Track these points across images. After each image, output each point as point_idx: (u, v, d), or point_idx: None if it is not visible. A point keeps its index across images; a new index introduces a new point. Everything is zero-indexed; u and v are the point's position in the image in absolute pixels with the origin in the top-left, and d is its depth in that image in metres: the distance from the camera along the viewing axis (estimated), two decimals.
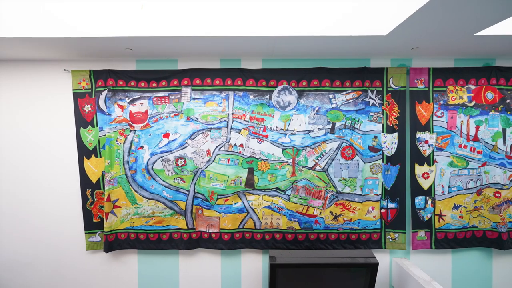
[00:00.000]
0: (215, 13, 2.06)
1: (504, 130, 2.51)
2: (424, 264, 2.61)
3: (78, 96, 2.52)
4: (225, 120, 2.52)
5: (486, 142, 2.51)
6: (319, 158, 2.52)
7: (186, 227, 2.54)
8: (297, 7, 2.02)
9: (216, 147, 2.52)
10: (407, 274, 2.35)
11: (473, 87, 2.51)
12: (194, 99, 2.51)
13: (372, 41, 2.11)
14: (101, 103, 2.51)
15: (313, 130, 2.52)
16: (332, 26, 2.03)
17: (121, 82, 2.50)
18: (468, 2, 1.52)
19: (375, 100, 2.52)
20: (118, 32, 2.05)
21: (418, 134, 2.52)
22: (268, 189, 2.53)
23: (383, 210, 2.54)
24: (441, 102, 2.52)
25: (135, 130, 2.52)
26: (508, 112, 2.51)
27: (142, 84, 2.51)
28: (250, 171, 2.53)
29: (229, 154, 2.52)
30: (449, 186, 2.54)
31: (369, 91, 2.51)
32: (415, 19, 1.72)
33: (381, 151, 2.52)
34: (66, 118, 2.56)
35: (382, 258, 2.63)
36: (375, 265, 2.26)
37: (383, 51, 2.39)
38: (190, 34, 2.10)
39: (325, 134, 2.52)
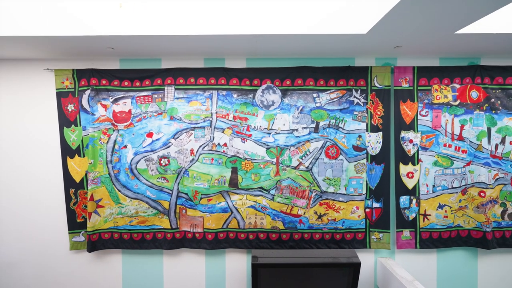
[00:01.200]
0: (197, 12, 2.06)
1: (489, 129, 2.50)
2: (409, 263, 2.60)
3: (61, 96, 2.51)
4: (208, 120, 2.51)
5: (471, 141, 2.50)
6: (303, 158, 2.51)
7: (169, 227, 2.54)
8: (279, 6, 2.02)
9: (200, 146, 2.51)
10: (391, 273, 2.34)
11: (458, 86, 2.50)
12: (177, 98, 2.51)
13: (353, 39, 2.10)
14: (84, 102, 2.50)
15: (297, 129, 2.51)
16: (313, 25, 2.02)
17: (104, 81, 2.49)
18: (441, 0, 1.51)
19: (359, 99, 2.51)
20: (98, 31, 2.04)
21: (403, 133, 2.51)
22: (252, 188, 2.52)
23: (367, 210, 2.53)
24: (426, 101, 2.51)
25: (118, 130, 2.51)
26: (493, 111, 2.50)
27: (126, 83, 2.50)
28: (234, 171, 2.52)
29: (212, 153, 2.51)
30: (433, 186, 2.52)
31: (353, 90, 2.50)
32: (392, 17, 1.71)
33: (365, 151, 2.51)
34: (49, 118, 2.55)
35: (368, 257, 2.62)
36: (358, 265, 2.25)
37: (367, 50, 2.38)
38: (172, 33, 2.09)
39: (309, 134, 2.51)
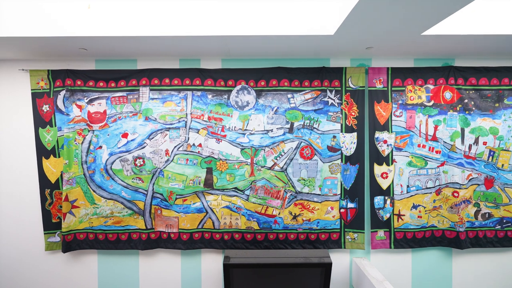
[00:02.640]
0: (167, 13, 2.07)
1: (462, 130, 2.51)
2: (384, 264, 2.61)
3: (36, 96, 2.51)
4: (183, 120, 2.51)
5: (445, 142, 2.51)
6: (278, 158, 2.52)
7: (144, 227, 2.54)
8: (251, 8, 2.03)
9: (175, 147, 2.52)
10: (363, 274, 2.35)
11: (431, 86, 2.52)
12: (152, 99, 2.51)
13: (322, 40, 2.11)
14: (59, 103, 2.51)
15: (271, 130, 2.51)
16: (283, 26, 2.03)
17: (79, 82, 2.50)
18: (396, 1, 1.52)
19: (334, 100, 2.52)
20: (69, 32, 2.05)
21: (377, 134, 2.52)
22: (226, 189, 2.53)
23: (342, 210, 2.54)
24: (400, 101, 2.52)
25: (93, 130, 2.52)
26: (466, 112, 2.51)
27: (101, 84, 2.51)
28: (209, 171, 2.52)
29: (187, 154, 2.52)
30: (407, 186, 2.54)
31: (327, 90, 2.51)
32: (354, 18, 1.73)
33: (340, 151, 2.52)
34: (24, 118, 2.55)
35: (343, 258, 2.63)
36: (329, 265, 2.26)
37: (340, 51, 2.39)
38: (142, 34, 2.10)
39: (284, 134, 2.52)
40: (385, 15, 1.69)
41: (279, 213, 2.54)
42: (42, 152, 2.53)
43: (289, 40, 2.14)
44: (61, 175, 2.53)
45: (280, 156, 2.52)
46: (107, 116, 2.52)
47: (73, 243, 2.54)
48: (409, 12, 1.66)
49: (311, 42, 2.16)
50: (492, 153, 2.52)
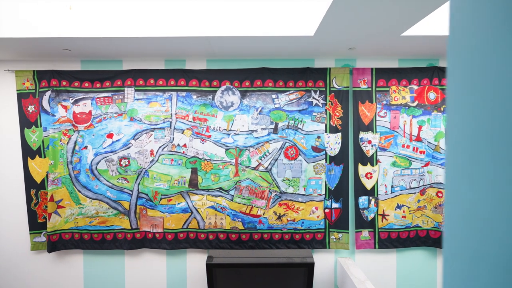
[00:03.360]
0: (152, 14, 2.08)
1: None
2: (368, 263, 2.62)
3: (22, 97, 2.52)
4: (168, 121, 2.52)
5: (429, 142, 2.52)
6: (263, 158, 2.53)
7: (130, 227, 2.55)
8: (233, 9, 2.04)
9: (160, 147, 2.53)
10: (346, 274, 2.36)
11: (415, 87, 2.52)
12: (137, 99, 2.52)
13: (303, 41, 2.12)
14: (45, 103, 2.52)
15: (256, 130, 2.52)
16: (265, 27, 2.04)
17: (64, 83, 2.51)
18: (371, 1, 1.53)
19: (318, 100, 2.52)
20: (51, 33, 2.06)
21: (362, 134, 2.53)
22: (211, 189, 2.54)
23: (327, 210, 2.55)
24: (384, 102, 2.53)
25: (78, 131, 2.53)
26: None
27: (86, 84, 2.52)
28: (194, 171, 2.53)
29: (172, 154, 2.53)
30: (392, 186, 2.54)
31: (312, 91, 2.52)
32: (330, 19, 1.73)
33: (324, 151, 2.53)
34: (10, 119, 2.56)
35: (328, 258, 2.63)
36: (311, 265, 2.27)
37: (324, 52, 2.40)
38: (126, 35, 2.11)
39: (268, 134, 2.53)
40: (361, 16, 1.70)
41: (264, 213, 2.54)
42: (28, 152, 2.54)
43: (272, 41, 2.15)
44: (47, 175, 2.54)
45: (265, 157, 2.53)
46: (92, 117, 2.53)
47: (58, 243, 2.55)
48: (384, 13, 1.67)
49: (293, 43, 2.17)
50: None
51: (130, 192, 2.54)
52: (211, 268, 2.27)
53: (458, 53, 0.37)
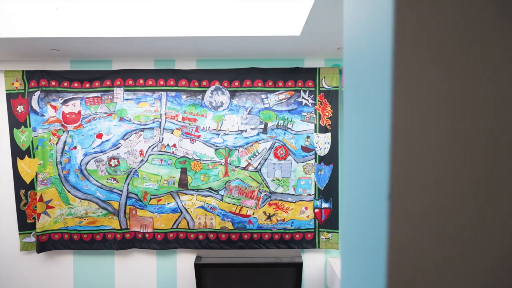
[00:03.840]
0: (140, 14, 2.08)
1: None
2: None
3: (11, 97, 2.52)
4: (158, 121, 2.52)
5: None
6: (252, 158, 2.53)
7: (119, 227, 2.55)
8: (221, 9, 2.04)
9: (149, 147, 2.52)
10: (335, 273, 2.36)
11: None
12: (127, 99, 2.52)
13: (290, 41, 2.12)
14: (34, 103, 2.51)
15: (245, 130, 2.52)
16: (252, 27, 2.04)
17: (53, 83, 2.51)
18: None
19: (307, 100, 2.53)
20: (37, 33, 2.06)
21: None
22: (201, 189, 2.54)
23: (316, 210, 2.55)
24: None
25: (68, 131, 2.52)
26: None
27: (76, 84, 2.52)
28: (183, 171, 2.53)
29: (162, 154, 2.53)
30: None
31: (301, 91, 2.52)
32: (314, 19, 1.74)
33: (314, 151, 2.53)
34: None
35: (318, 258, 2.64)
36: (300, 265, 2.27)
37: (313, 52, 2.40)
38: (114, 35, 2.11)
39: (258, 134, 2.53)
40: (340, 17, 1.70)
41: (254, 213, 2.54)
42: (17, 152, 2.53)
43: (259, 41, 2.15)
44: (36, 176, 2.53)
45: (254, 156, 2.53)
46: (81, 117, 2.52)
47: (47, 244, 2.55)
48: None
49: (280, 43, 2.18)
50: None
51: (120, 192, 2.54)
52: (200, 268, 2.26)
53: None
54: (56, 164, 2.52)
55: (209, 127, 2.52)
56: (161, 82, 2.51)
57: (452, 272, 0.29)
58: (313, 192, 2.54)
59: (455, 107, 0.29)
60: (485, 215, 0.29)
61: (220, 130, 2.52)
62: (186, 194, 2.54)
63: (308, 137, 2.53)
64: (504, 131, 0.29)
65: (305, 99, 2.52)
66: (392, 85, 0.28)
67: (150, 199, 2.53)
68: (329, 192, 2.55)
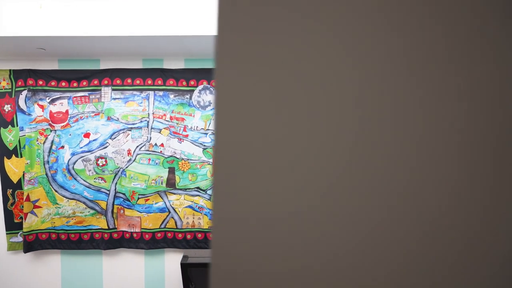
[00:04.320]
0: (127, 13, 2.08)
1: None
2: None
3: None
4: (145, 120, 2.52)
5: None
6: None
7: (107, 227, 2.54)
8: (210, 8, 2.05)
9: (137, 146, 2.52)
10: None
11: None
12: (114, 99, 2.51)
13: None
14: (21, 103, 2.50)
15: None
16: None
17: (41, 82, 2.50)
18: None
19: None
20: (22, 32, 2.05)
21: None
22: (189, 188, 2.53)
23: None
24: None
25: (55, 130, 2.51)
26: None
27: (63, 83, 2.51)
28: (171, 171, 2.53)
29: (149, 153, 2.52)
30: None
31: None
32: None
33: None
34: None
35: None
36: None
37: None
38: (99, 34, 2.11)
39: None
40: None
41: None
42: (4, 152, 2.52)
43: None
44: (23, 175, 2.52)
45: None
46: (69, 116, 2.52)
47: (35, 243, 2.54)
48: None
49: None
50: None
51: (107, 192, 2.53)
52: (186, 268, 2.26)
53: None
54: (44, 164, 2.51)
55: (197, 127, 2.52)
56: (149, 82, 2.51)
57: None
58: None
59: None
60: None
61: (208, 129, 2.52)
62: (174, 193, 2.53)
63: None
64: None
65: None
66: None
67: (138, 198, 2.53)
68: None
